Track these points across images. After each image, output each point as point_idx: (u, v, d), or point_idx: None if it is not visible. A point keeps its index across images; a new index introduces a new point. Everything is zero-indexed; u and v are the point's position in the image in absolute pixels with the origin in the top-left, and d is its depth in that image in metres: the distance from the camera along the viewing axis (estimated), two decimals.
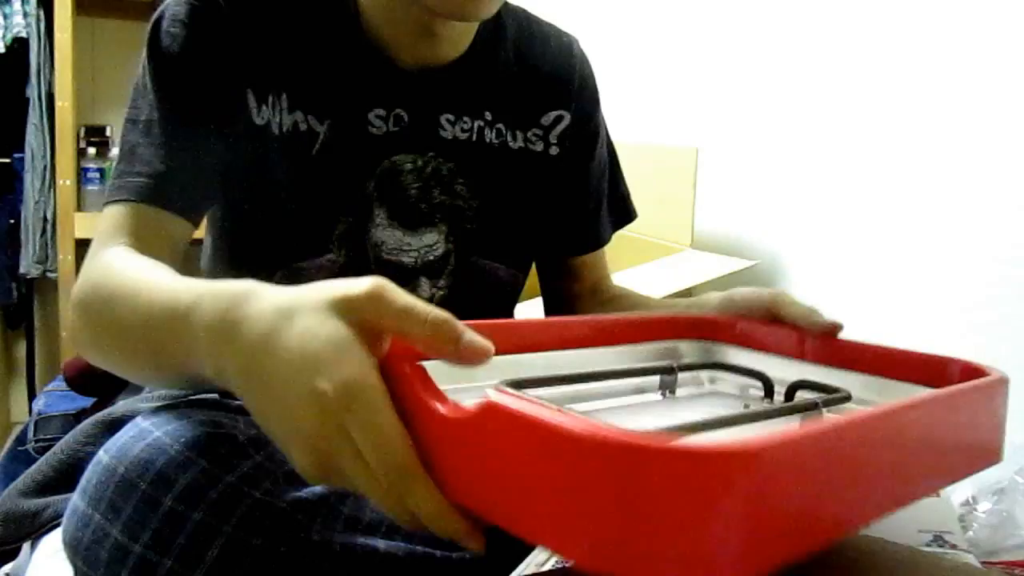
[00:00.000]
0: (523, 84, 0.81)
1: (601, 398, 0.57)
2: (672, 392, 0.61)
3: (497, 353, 0.43)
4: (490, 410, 0.37)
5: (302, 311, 0.42)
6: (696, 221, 1.61)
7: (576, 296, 0.90)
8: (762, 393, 0.62)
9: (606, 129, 0.90)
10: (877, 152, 1.46)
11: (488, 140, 0.78)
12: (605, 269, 0.92)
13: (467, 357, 0.41)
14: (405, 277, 0.75)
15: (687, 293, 1.37)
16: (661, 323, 0.69)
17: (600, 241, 0.90)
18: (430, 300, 0.71)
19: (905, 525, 0.65)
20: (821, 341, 0.63)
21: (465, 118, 0.76)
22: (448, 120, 0.76)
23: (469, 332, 0.42)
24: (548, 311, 0.93)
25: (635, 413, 0.56)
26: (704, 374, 0.67)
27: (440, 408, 0.39)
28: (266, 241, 0.73)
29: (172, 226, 0.67)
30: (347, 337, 0.41)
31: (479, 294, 0.79)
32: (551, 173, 0.82)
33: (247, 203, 0.73)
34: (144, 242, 0.65)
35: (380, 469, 0.39)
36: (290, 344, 0.41)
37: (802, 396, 0.58)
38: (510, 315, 0.87)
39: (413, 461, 0.40)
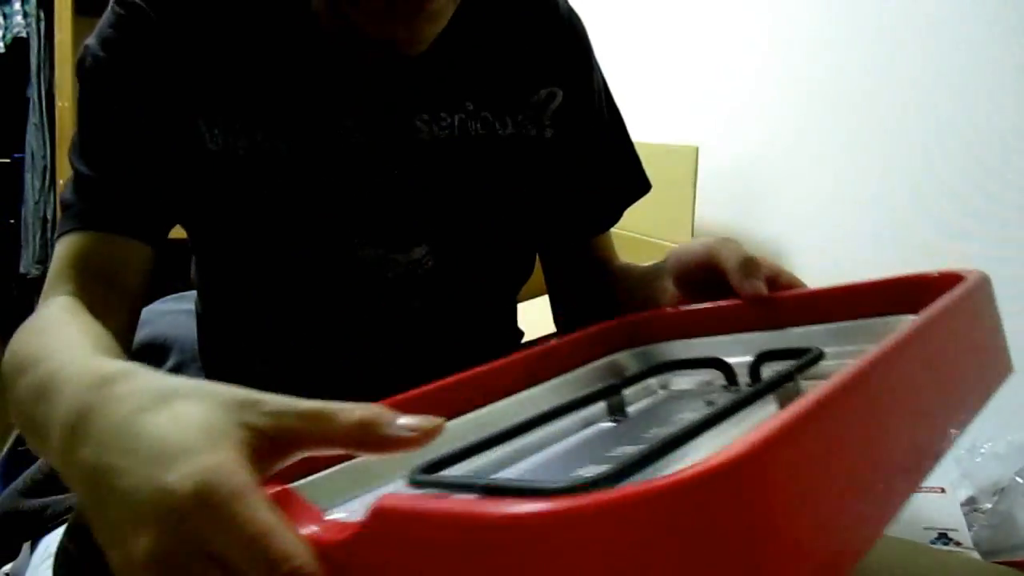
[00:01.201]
0: (506, 62, 0.71)
1: (543, 447, 0.49)
2: (623, 413, 0.53)
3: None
4: (377, 519, 0.29)
5: (187, 397, 0.35)
6: (696, 219, 1.61)
7: (585, 279, 0.82)
8: (724, 381, 0.54)
9: (606, 91, 0.80)
10: (878, 152, 1.46)
11: (473, 133, 0.69)
12: (613, 246, 0.84)
13: (412, 443, 0.34)
14: (393, 297, 0.69)
15: None
16: (591, 340, 0.61)
17: (612, 219, 0.81)
18: (421, 317, 0.68)
19: (911, 522, 0.63)
20: (770, 303, 0.54)
21: (443, 114, 0.68)
22: (423, 121, 0.68)
23: (401, 416, 0.34)
24: (554, 300, 0.86)
25: (584, 453, 0.49)
26: (655, 380, 0.58)
27: (318, 532, 0.31)
28: (243, 273, 0.69)
29: (123, 251, 0.63)
30: (224, 429, 0.33)
31: (473, 304, 0.73)
32: (549, 158, 0.74)
33: (215, 236, 0.68)
34: (92, 278, 0.61)
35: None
36: (150, 431, 0.33)
37: (770, 370, 0.50)
38: (511, 320, 0.81)
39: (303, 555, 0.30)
